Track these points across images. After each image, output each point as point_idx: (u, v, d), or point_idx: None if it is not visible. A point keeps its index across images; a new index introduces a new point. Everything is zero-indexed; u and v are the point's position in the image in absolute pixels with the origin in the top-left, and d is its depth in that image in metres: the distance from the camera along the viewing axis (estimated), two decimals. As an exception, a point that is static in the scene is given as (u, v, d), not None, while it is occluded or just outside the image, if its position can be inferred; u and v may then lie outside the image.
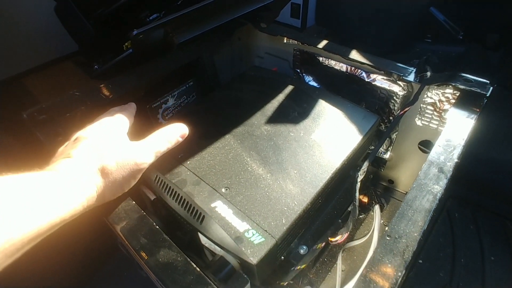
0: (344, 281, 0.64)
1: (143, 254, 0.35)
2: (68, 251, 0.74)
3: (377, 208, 0.72)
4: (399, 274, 0.32)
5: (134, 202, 0.41)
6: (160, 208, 0.55)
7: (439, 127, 0.64)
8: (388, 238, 0.36)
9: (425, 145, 0.68)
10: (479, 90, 0.55)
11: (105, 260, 0.86)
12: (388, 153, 0.76)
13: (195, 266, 0.34)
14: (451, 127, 0.51)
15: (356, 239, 0.71)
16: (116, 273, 0.83)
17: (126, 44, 0.69)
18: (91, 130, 0.40)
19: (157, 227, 0.38)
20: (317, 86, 0.81)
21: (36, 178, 0.32)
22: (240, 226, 0.44)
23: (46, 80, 0.79)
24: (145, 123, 0.72)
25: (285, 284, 0.55)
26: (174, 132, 0.44)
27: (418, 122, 0.67)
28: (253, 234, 0.44)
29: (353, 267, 0.67)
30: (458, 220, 0.82)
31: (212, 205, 0.47)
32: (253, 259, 0.41)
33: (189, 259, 0.35)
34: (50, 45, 0.81)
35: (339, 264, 0.66)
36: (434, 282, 0.72)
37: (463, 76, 0.58)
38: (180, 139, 0.45)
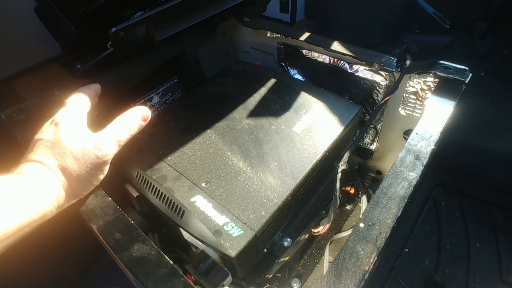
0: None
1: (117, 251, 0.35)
2: (57, 252, 0.74)
3: (364, 199, 0.72)
4: (371, 261, 0.33)
5: (110, 199, 0.41)
6: (143, 205, 0.55)
7: (422, 116, 0.64)
8: (361, 225, 0.36)
9: (410, 135, 0.68)
10: (457, 77, 0.55)
11: (94, 260, 0.87)
12: (375, 144, 0.76)
13: (168, 259, 0.34)
14: (429, 115, 0.51)
15: (343, 231, 0.71)
16: (105, 273, 0.84)
17: (110, 43, 0.69)
18: (45, 131, 0.39)
19: (132, 222, 0.38)
20: (302, 79, 0.81)
21: None
22: (219, 220, 0.44)
23: (35, 81, 0.79)
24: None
25: (270, 277, 0.55)
26: (134, 117, 0.42)
27: (402, 112, 0.67)
28: (232, 227, 0.44)
29: (341, 258, 0.67)
30: (444, 208, 0.83)
31: (192, 199, 0.47)
32: (232, 252, 0.42)
33: (162, 253, 0.35)
34: (41, 47, 0.80)
35: (327, 256, 0.66)
36: (419, 270, 0.72)
37: (442, 64, 0.57)
38: (143, 123, 0.43)
